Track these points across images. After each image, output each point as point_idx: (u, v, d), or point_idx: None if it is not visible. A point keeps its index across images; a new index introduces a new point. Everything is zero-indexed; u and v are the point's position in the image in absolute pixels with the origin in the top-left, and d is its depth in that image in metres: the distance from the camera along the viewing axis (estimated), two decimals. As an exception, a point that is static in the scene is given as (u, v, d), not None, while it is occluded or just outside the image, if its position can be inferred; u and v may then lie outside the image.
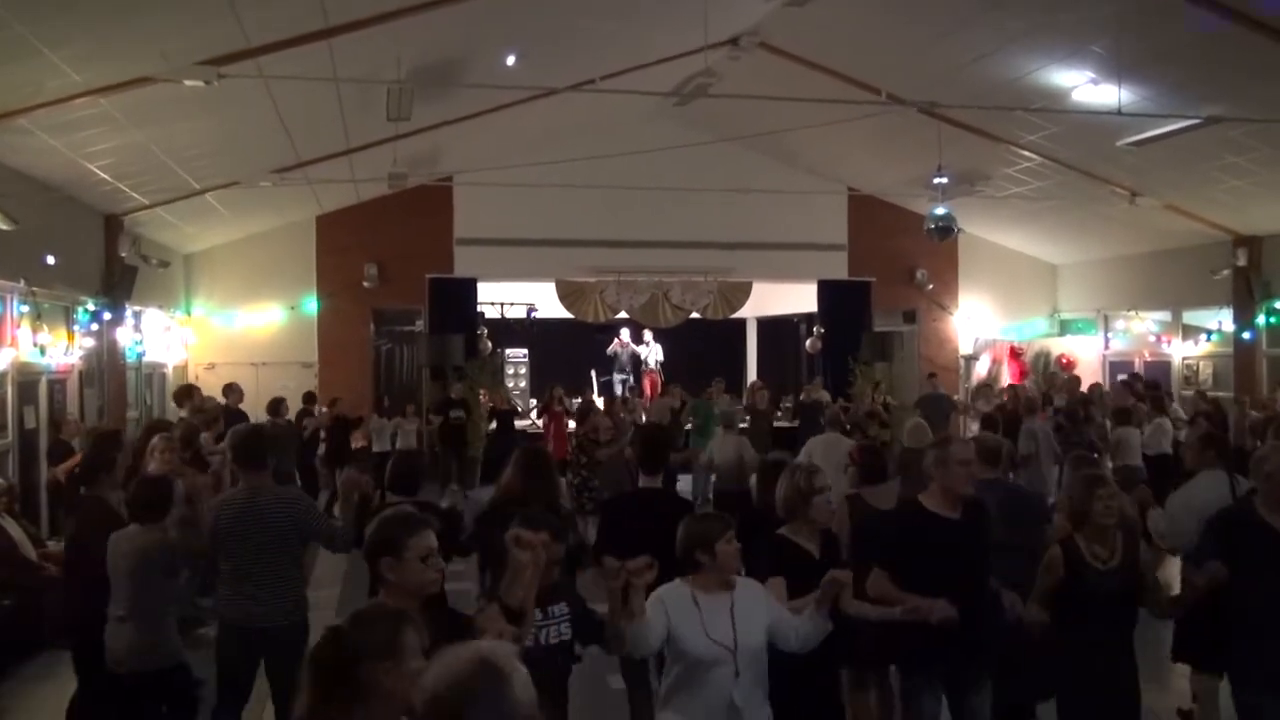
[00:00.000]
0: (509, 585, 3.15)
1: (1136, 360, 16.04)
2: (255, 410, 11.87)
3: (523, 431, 14.99)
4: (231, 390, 11.81)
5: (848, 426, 11.19)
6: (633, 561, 3.29)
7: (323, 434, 12.89)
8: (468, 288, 16.31)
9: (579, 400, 14.48)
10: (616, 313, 17.32)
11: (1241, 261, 13.83)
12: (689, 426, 13.24)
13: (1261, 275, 13.73)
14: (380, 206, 15.50)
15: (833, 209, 16.80)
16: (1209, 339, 14.81)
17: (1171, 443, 10.79)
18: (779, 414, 15.92)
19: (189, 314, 15.45)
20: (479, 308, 16.84)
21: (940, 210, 12.75)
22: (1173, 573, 6.17)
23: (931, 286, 17.36)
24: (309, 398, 13.36)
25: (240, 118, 10.10)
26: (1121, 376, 14.42)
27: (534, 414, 13.91)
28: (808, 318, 18.29)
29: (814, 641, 3.66)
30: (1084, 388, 13.92)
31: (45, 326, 9.77)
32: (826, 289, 17.22)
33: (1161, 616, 4.61)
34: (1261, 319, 13.81)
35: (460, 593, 4.96)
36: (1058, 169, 13.15)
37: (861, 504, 5.25)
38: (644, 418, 13.34)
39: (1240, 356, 14.09)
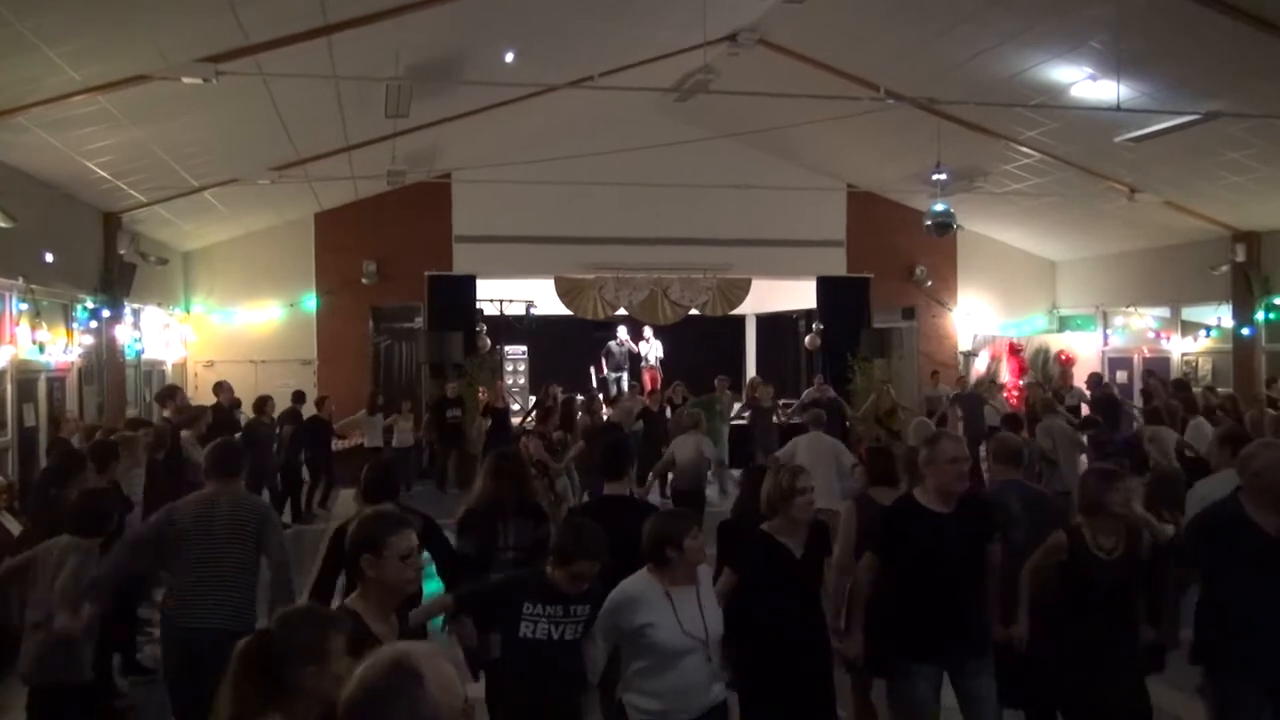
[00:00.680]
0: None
1: (1135, 356, 16.06)
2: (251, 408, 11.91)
3: (521, 429, 14.96)
4: (221, 388, 11.80)
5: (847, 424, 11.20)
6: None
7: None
8: (467, 285, 16.30)
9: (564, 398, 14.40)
10: (615, 310, 17.31)
11: (1240, 257, 13.84)
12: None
13: (1260, 271, 13.74)
14: (379, 204, 15.50)
15: (832, 205, 16.79)
16: (1208, 335, 14.82)
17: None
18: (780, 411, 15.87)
19: (188, 311, 15.44)
20: (478, 305, 16.82)
21: (939, 206, 12.78)
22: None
23: (930, 283, 17.36)
24: (298, 396, 13.19)
25: (239, 115, 10.09)
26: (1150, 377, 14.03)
27: (533, 414, 13.80)
28: (807, 314, 18.31)
29: None
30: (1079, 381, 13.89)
31: (44, 324, 9.77)
32: (825, 285, 17.22)
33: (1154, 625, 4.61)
34: (1260, 315, 13.82)
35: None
36: (1057, 165, 13.15)
37: (871, 504, 5.27)
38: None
39: (1239, 352, 14.10)
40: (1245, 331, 13.97)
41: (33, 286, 9.53)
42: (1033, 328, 17.72)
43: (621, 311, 17.48)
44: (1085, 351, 16.73)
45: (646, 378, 18.67)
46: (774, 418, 13.93)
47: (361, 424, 13.81)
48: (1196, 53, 9.38)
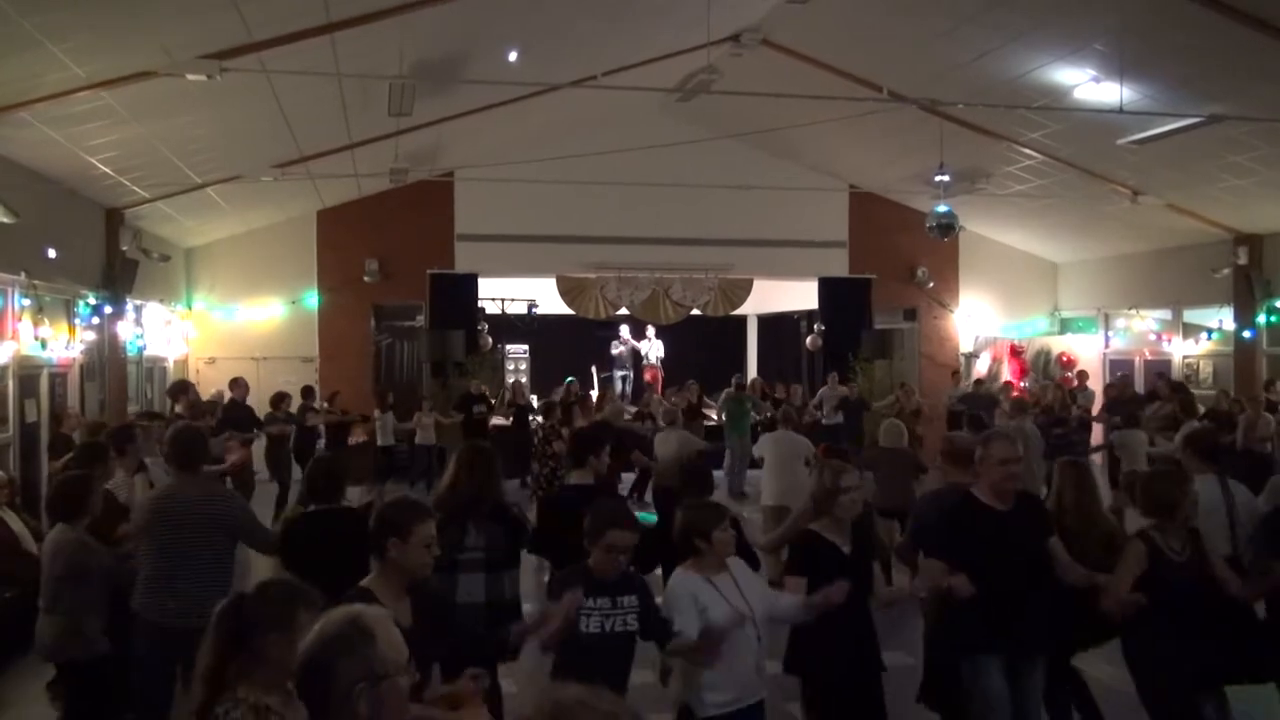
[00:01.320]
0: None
1: (1137, 359, 16.06)
2: (257, 404, 11.93)
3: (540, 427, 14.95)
4: (237, 384, 11.84)
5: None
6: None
7: (322, 429, 12.94)
8: (468, 283, 16.31)
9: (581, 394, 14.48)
10: (617, 309, 17.31)
11: (1242, 260, 13.85)
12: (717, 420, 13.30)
13: (1262, 274, 13.75)
14: (381, 202, 15.51)
15: (834, 206, 16.79)
16: (1209, 338, 14.83)
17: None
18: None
19: (190, 308, 15.46)
20: (480, 303, 16.83)
21: (942, 208, 12.77)
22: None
23: (932, 284, 17.36)
24: (308, 392, 13.36)
25: (242, 112, 10.10)
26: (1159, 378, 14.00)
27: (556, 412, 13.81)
28: (808, 315, 18.29)
29: (788, 620, 4.14)
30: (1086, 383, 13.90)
31: (46, 320, 9.79)
32: (827, 286, 17.22)
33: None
34: (1262, 318, 13.84)
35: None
36: (1059, 167, 13.15)
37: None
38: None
39: (1240, 355, 14.11)
40: (1247, 334, 13.98)
41: (35, 282, 9.55)
42: (1034, 329, 17.72)
43: (623, 311, 17.49)
44: (1086, 354, 16.72)
45: (648, 376, 18.72)
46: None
47: (375, 423, 13.89)
48: (1199, 56, 9.38)
